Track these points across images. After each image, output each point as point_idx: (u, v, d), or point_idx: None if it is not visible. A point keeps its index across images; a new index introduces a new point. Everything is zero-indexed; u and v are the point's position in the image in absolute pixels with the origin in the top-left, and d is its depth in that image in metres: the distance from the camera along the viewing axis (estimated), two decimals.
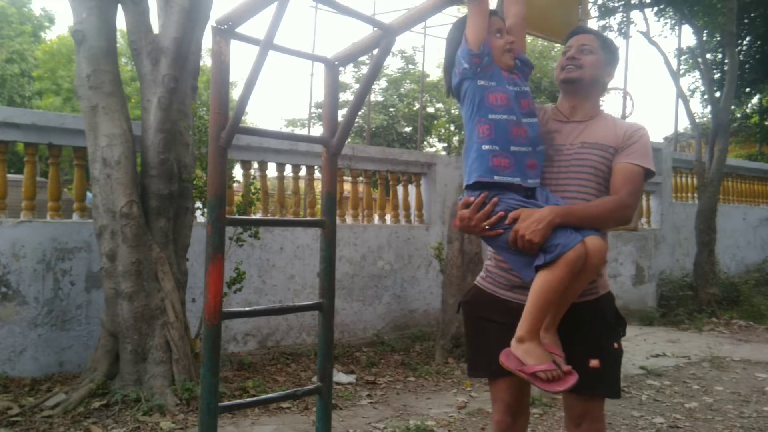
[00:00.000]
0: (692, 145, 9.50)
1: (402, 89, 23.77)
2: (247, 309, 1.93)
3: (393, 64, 24.04)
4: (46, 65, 20.16)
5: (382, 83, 23.61)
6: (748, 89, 12.40)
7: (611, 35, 11.51)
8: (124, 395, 3.85)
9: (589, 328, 2.03)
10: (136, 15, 4.21)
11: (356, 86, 20.59)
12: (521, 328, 1.86)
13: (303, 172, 6.21)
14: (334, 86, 1.97)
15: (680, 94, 10.06)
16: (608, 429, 3.80)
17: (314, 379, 4.50)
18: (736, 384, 5.02)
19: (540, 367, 1.81)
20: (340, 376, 4.82)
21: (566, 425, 2.14)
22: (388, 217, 7.16)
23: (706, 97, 12.13)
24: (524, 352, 1.84)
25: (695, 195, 9.25)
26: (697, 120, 10.87)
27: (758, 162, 13.27)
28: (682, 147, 15.40)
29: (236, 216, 4.72)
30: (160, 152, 4.19)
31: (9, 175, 4.93)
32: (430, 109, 24.99)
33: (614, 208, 1.98)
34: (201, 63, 5.44)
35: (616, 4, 10.02)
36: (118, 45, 4.39)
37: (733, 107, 12.48)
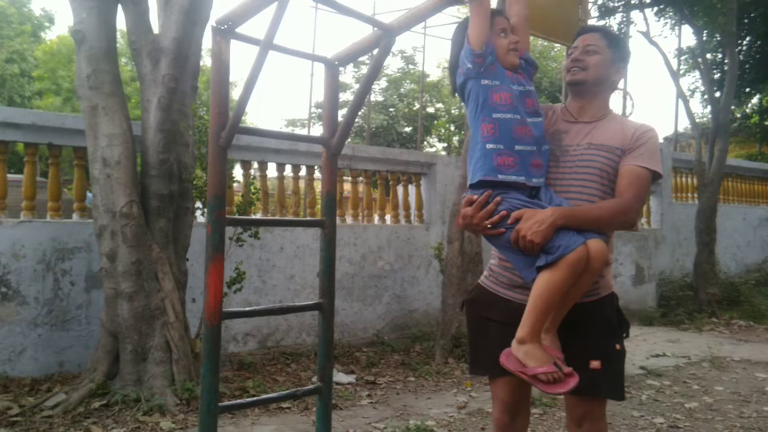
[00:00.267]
0: (692, 145, 9.50)
1: (402, 89, 23.78)
2: (247, 309, 1.92)
3: (393, 64, 24.07)
4: (46, 65, 20.17)
5: (382, 83, 23.62)
6: (748, 89, 12.40)
7: None
8: (124, 395, 3.86)
9: (590, 329, 2.02)
10: (136, 15, 4.21)
11: (356, 86, 20.61)
12: (522, 330, 1.85)
13: (303, 172, 6.21)
14: (334, 86, 1.97)
15: (680, 94, 10.06)
16: (609, 429, 3.79)
17: (314, 379, 4.50)
18: (736, 384, 5.02)
19: (541, 369, 1.81)
20: (340, 376, 4.83)
21: (568, 425, 2.14)
22: (388, 217, 7.16)
23: (706, 97, 12.14)
24: (525, 354, 1.84)
25: (695, 195, 9.25)
26: (697, 120, 10.86)
27: (758, 162, 13.27)
28: (682, 147, 15.38)
29: (236, 216, 4.72)
30: (160, 152, 4.19)
31: (9, 175, 4.93)
32: (430, 109, 24.99)
33: (618, 212, 1.97)
34: (201, 63, 5.44)
35: (616, 4, 10.02)
36: (118, 45, 4.39)
37: (733, 107, 12.49)
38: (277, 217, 5.86)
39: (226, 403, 1.92)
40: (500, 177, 1.92)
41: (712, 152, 8.72)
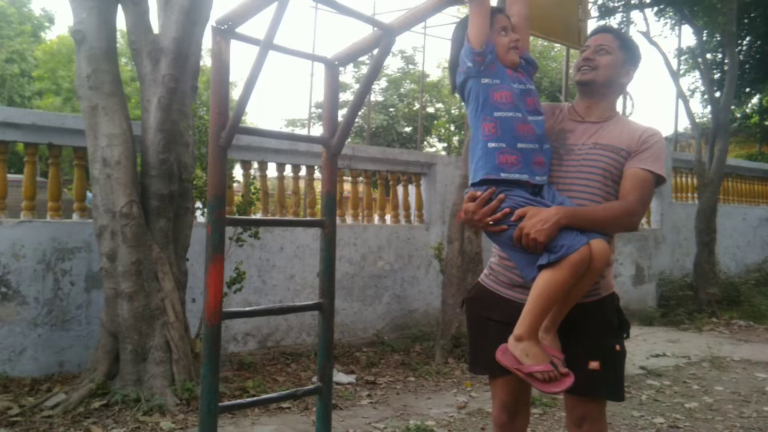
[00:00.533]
0: (692, 145, 9.49)
1: (402, 89, 23.78)
2: (247, 309, 1.92)
3: (393, 64, 24.08)
4: (46, 65, 20.17)
5: (382, 83, 23.63)
6: (748, 89, 12.40)
7: None
8: (124, 395, 3.85)
9: (590, 330, 2.02)
10: (136, 15, 4.21)
11: (356, 86, 20.61)
12: (520, 327, 1.85)
13: (303, 172, 6.21)
14: (334, 86, 1.97)
15: (680, 94, 10.06)
16: (609, 429, 3.79)
17: (314, 379, 4.50)
18: (736, 384, 5.02)
19: (537, 368, 1.81)
20: (340, 376, 4.83)
21: (567, 426, 2.14)
22: (388, 217, 7.16)
23: (706, 97, 12.14)
24: (522, 351, 1.83)
25: (695, 195, 9.25)
26: (697, 120, 10.86)
27: (758, 162, 13.27)
28: (682, 147, 15.38)
29: (236, 216, 4.72)
30: (160, 152, 4.19)
31: (9, 175, 4.93)
32: (430, 109, 25.00)
33: (621, 214, 1.96)
34: (201, 63, 5.44)
35: (616, 4, 10.02)
36: (118, 45, 4.39)
37: (733, 107, 12.49)
38: (277, 217, 5.86)
39: (226, 403, 1.92)
40: (503, 175, 1.92)
41: (712, 152, 8.72)
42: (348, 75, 22.24)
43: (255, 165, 5.77)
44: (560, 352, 1.92)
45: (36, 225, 4.55)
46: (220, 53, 1.64)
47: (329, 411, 1.97)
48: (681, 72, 12.80)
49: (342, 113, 1.96)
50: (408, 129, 23.42)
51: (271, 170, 6.12)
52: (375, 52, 1.89)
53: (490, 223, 1.93)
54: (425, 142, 24.84)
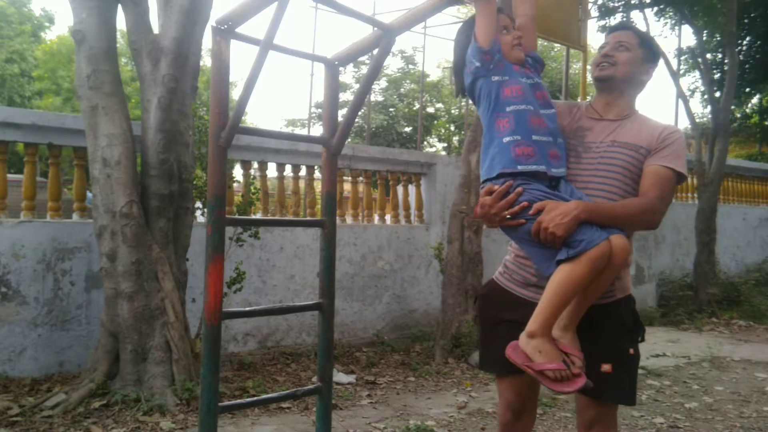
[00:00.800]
0: (692, 145, 9.47)
1: (402, 89, 23.79)
2: (247, 309, 1.93)
3: (393, 64, 24.09)
4: (46, 65, 20.17)
5: (382, 83, 23.63)
6: (748, 89, 12.40)
7: None
8: (124, 395, 3.85)
9: (604, 331, 1.96)
10: (136, 15, 4.21)
11: (356, 86, 20.61)
12: (533, 323, 1.80)
13: (303, 172, 6.21)
14: (334, 86, 1.97)
15: (680, 94, 10.06)
16: None
17: (314, 379, 4.50)
18: (736, 384, 5.02)
19: (549, 366, 1.76)
20: (340, 376, 4.83)
21: (577, 428, 2.12)
22: (388, 217, 7.16)
23: (706, 97, 12.14)
24: (534, 348, 1.78)
25: (695, 195, 9.25)
26: (697, 120, 10.86)
27: (758, 162, 13.27)
28: None
29: (236, 216, 4.72)
30: (160, 152, 4.19)
31: (9, 175, 4.93)
32: (430, 109, 25.00)
33: (642, 211, 1.92)
34: (201, 63, 5.44)
35: (616, 4, 10.02)
36: (118, 45, 4.39)
37: (733, 107, 12.48)
38: (277, 217, 5.86)
39: (226, 403, 1.92)
40: (520, 168, 1.89)
41: (712, 152, 8.72)
42: (348, 75, 22.26)
43: (255, 165, 5.77)
44: (579, 352, 1.86)
45: (36, 225, 4.56)
46: (220, 53, 1.64)
47: (329, 411, 1.97)
48: (681, 72, 12.80)
49: (342, 113, 1.96)
50: (408, 129, 23.42)
51: (271, 170, 6.13)
52: (375, 52, 1.89)
53: (507, 217, 1.89)
54: (425, 142, 24.85)
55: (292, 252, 5.76)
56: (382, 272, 6.38)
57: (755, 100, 15.21)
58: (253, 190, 5.08)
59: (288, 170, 6.22)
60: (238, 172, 5.68)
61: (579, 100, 5.36)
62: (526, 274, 2.06)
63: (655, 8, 10.22)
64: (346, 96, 20.61)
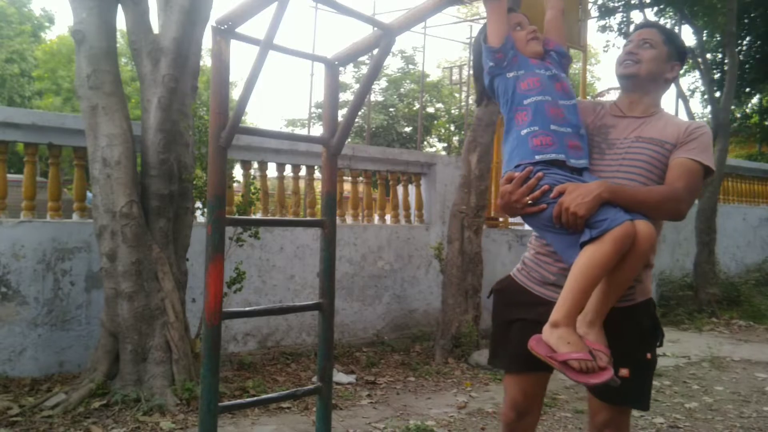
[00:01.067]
0: None
1: (402, 89, 23.78)
2: (247, 309, 1.92)
3: (393, 64, 24.08)
4: (46, 65, 20.18)
5: (382, 83, 23.63)
6: (748, 89, 12.41)
7: (611, 35, 11.52)
8: (124, 395, 3.85)
9: (622, 335, 1.92)
10: (136, 15, 4.20)
11: (356, 86, 20.60)
12: (557, 312, 1.74)
13: (303, 172, 6.21)
14: (334, 86, 1.97)
15: (680, 94, 10.07)
16: None
17: (314, 379, 4.50)
18: (736, 384, 5.02)
19: (575, 355, 1.68)
20: (340, 376, 4.83)
21: (589, 429, 2.11)
22: (388, 217, 7.15)
23: (706, 97, 12.15)
24: (558, 338, 1.71)
25: None
26: (697, 120, 10.86)
27: (758, 162, 13.28)
28: None
29: (236, 216, 4.72)
30: (160, 152, 4.19)
31: (9, 175, 4.92)
32: (430, 109, 25.00)
33: (667, 198, 1.87)
34: (201, 63, 5.44)
35: (616, 4, 10.03)
36: (118, 45, 4.39)
37: (733, 107, 12.49)
38: (277, 217, 5.86)
39: (226, 403, 1.92)
40: (537, 157, 1.88)
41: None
42: (348, 75, 22.27)
43: (255, 165, 5.77)
44: (606, 348, 1.79)
45: (36, 225, 4.56)
46: (220, 53, 1.63)
47: (329, 411, 1.97)
48: (681, 72, 12.81)
49: (342, 113, 1.96)
50: (408, 129, 23.42)
51: (271, 170, 6.12)
52: (375, 52, 1.89)
53: (529, 202, 1.86)
54: (425, 142, 24.84)
55: (292, 252, 5.76)
56: (382, 272, 6.38)
57: (755, 100, 15.22)
58: (253, 190, 5.08)
59: (288, 170, 6.22)
60: (238, 172, 5.68)
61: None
62: (545, 272, 2.04)
63: (655, 8, 10.23)
64: (346, 96, 20.62)
